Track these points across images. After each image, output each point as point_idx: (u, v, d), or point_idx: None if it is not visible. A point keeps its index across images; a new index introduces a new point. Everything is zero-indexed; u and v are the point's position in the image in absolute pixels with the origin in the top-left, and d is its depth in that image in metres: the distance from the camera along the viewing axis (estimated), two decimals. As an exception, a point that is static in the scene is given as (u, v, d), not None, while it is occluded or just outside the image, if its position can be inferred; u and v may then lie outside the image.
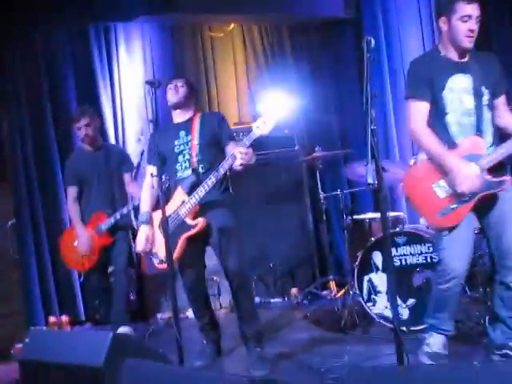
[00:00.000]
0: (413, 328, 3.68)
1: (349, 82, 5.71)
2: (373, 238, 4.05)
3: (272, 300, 5.27)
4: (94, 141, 4.56)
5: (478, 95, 2.98)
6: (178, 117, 3.65)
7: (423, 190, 3.02)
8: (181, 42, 5.87)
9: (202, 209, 3.41)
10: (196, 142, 3.50)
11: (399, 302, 3.77)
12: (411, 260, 3.86)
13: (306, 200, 5.47)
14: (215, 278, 5.09)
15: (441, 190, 2.98)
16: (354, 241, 4.51)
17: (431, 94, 3.01)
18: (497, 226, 3.01)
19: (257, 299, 5.07)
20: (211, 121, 3.60)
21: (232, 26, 5.94)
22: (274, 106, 3.29)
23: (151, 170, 3.53)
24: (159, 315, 5.13)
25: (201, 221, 3.39)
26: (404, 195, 3.01)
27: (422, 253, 3.85)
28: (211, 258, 3.70)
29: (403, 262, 3.86)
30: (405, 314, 3.80)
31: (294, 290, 5.19)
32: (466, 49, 2.98)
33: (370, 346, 3.65)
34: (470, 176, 2.88)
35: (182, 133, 3.57)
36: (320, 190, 4.84)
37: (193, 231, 3.39)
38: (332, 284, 4.86)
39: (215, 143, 3.55)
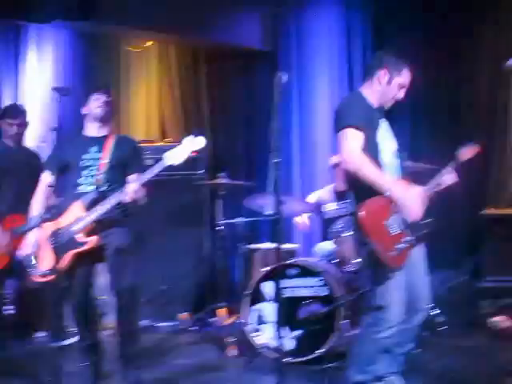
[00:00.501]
0: (299, 359, 3.74)
1: (260, 113, 5.83)
2: (266, 268, 4.11)
3: (160, 324, 5.16)
4: (20, 140, 4.42)
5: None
6: (94, 130, 3.56)
7: (378, 226, 2.87)
8: (95, 51, 5.75)
9: (99, 226, 3.32)
10: (106, 161, 3.44)
11: (287, 332, 3.82)
12: (301, 292, 3.95)
13: (206, 225, 5.46)
14: (104, 297, 4.92)
15: (392, 226, 2.87)
16: (248, 269, 4.55)
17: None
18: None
19: (145, 322, 4.96)
20: (126, 145, 3.58)
21: (150, 42, 5.91)
22: (190, 140, 3.37)
23: (48, 177, 3.47)
24: (40, 333, 4.86)
25: (94, 239, 3.31)
26: (364, 232, 2.82)
27: (312, 286, 3.95)
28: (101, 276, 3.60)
29: (293, 294, 3.94)
30: (292, 344, 3.86)
31: (183, 315, 5.12)
32: (386, 106, 3.09)
33: (253, 375, 3.67)
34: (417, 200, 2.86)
35: (94, 148, 3.49)
36: (220, 216, 4.86)
37: (83, 248, 3.30)
38: (223, 311, 4.85)
39: (123, 167, 3.50)
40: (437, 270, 4.90)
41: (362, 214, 2.79)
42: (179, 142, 5.43)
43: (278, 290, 2.71)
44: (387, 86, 2.98)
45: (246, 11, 5.86)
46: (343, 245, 4.13)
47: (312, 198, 5.14)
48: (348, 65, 5.92)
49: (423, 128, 5.86)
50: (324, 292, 3.93)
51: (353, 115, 2.88)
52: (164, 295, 5.18)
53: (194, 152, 4.75)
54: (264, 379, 3.51)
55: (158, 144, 5.50)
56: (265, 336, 3.95)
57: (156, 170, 3.28)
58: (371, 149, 2.88)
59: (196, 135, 3.43)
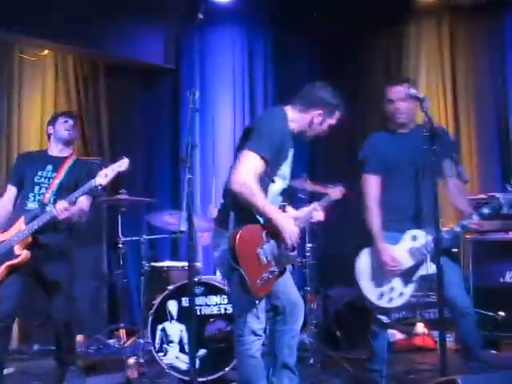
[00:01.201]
0: (201, 379, 3.70)
1: (160, 130, 5.79)
2: (170, 287, 4.04)
3: (54, 347, 4.88)
4: None
5: None
6: (56, 151, 3.72)
7: (250, 254, 2.84)
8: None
9: (42, 250, 3.47)
10: (58, 181, 3.59)
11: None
12: (206, 310, 3.92)
13: (105, 242, 5.28)
14: None
15: (263, 255, 2.87)
16: (150, 288, 4.44)
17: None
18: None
19: (36, 347, 4.77)
20: (81, 169, 3.70)
21: (46, 51, 5.65)
22: (117, 163, 3.45)
23: (11, 190, 3.68)
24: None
25: (25, 252, 3.42)
26: (236, 257, 2.77)
27: (216, 304, 3.94)
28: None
29: (199, 312, 3.90)
30: (196, 363, 3.80)
31: (79, 338, 4.88)
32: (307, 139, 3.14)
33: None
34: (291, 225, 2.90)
35: (50, 167, 3.64)
36: (121, 234, 4.72)
37: (15, 261, 3.41)
38: (122, 332, 4.70)
39: (73, 189, 3.53)
40: (332, 287, 5.14)
41: (237, 239, 2.76)
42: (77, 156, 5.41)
43: (191, 307, 2.61)
44: (319, 125, 3.00)
45: (149, 27, 5.79)
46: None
47: (214, 212, 5.16)
48: (249, 84, 6.05)
49: (320, 150, 6.10)
50: (229, 310, 3.93)
51: (267, 143, 2.81)
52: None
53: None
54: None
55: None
56: (169, 356, 3.88)
57: (86, 188, 3.40)
58: (270, 176, 2.87)
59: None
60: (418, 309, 4.98)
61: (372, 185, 3.42)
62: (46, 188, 3.57)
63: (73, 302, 3.72)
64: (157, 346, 3.90)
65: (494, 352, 4.57)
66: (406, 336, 4.81)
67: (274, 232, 2.86)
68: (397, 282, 3.31)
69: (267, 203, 2.83)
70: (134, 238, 4.72)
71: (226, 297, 3.93)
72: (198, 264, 4.66)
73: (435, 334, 4.84)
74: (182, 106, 5.93)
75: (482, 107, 5.66)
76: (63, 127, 3.71)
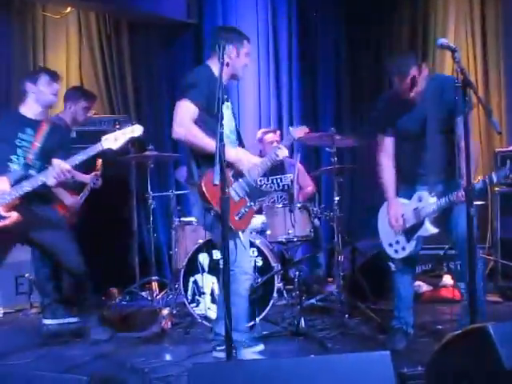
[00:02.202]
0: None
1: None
2: (200, 240, 4.12)
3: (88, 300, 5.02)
4: None
5: None
6: (33, 113, 3.60)
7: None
8: (8, 17, 5.40)
9: (23, 204, 3.37)
10: (38, 144, 3.53)
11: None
12: (236, 263, 4.00)
13: (134, 199, 5.36)
14: (27, 275, 4.76)
15: (235, 193, 3.12)
16: (180, 242, 4.53)
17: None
18: None
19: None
20: (57, 134, 3.67)
21: (68, 9, 5.63)
22: (130, 128, 3.48)
23: None
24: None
25: (14, 215, 3.33)
26: (208, 200, 2.99)
27: (247, 257, 4.02)
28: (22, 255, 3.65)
29: (229, 265, 3.98)
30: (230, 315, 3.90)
31: (113, 290, 5.04)
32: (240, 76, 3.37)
33: (191, 345, 3.70)
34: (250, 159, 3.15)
35: (29, 130, 3.55)
36: (149, 190, 4.79)
37: (3, 223, 3.31)
38: (154, 285, 4.82)
39: (52, 153, 3.54)
40: (359, 238, 5.18)
41: (205, 184, 2.97)
42: (100, 113, 5.46)
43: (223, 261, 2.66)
44: (236, 58, 3.22)
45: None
46: (274, 217, 4.21)
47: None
48: (273, 39, 5.98)
49: (344, 104, 6.06)
50: (259, 262, 4.01)
51: (195, 90, 3.05)
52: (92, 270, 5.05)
53: (117, 125, 4.68)
54: (202, 348, 3.54)
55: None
56: (201, 307, 3.98)
57: (91, 152, 3.38)
58: (212, 123, 2.95)
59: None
60: (444, 260, 5.03)
61: (385, 144, 3.51)
62: (28, 151, 3.48)
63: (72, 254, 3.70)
64: (189, 298, 4.01)
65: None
66: (432, 287, 4.85)
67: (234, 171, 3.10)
68: (400, 236, 3.47)
69: (212, 139, 2.94)
70: (163, 194, 4.78)
71: (255, 249, 4.00)
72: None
73: (462, 285, 4.90)
74: (205, 60, 5.89)
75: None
76: (49, 90, 3.58)
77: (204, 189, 3.00)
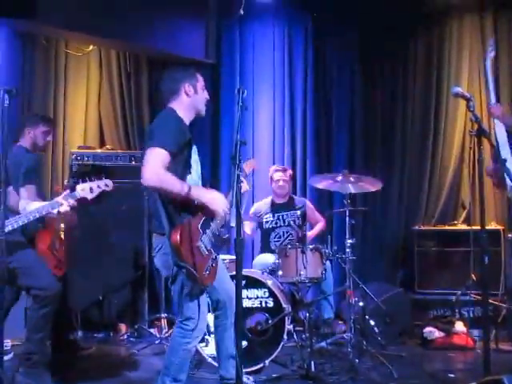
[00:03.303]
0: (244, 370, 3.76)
1: (201, 124, 5.82)
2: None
3: (96, 335, 5.02)
4: None
5: None
6: None
7: (192, 249, 2.95)
8: (32, 52, 5.55)
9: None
10: None
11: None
12: (247, 303, 3.99)
13: (144, 231, 5.36)
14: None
15: (204, 246, 3.02)
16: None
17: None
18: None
19: (80, 333, 4.89)
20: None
21: (91, 47, 5.78)
22: (103, 181, 3.58)
23: None
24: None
25: None
26: (179, 255, 2.89)
27: (257, 297, 4.01)
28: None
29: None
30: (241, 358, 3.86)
31: (121, 326, 5.02)
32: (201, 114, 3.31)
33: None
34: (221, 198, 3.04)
35: None
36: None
37: None
38: (163, 321, 4.80)
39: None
40: (372, 282, 5.15)
41: (176, 238, 2.87)
42: (117, 148, 5.53)
43: (239, 299, 2.66)
44: (195, 94, 3.19)
45: (190, 22, 5.85)
46: (286, 258, 4.20)
47: (252, 209, 5.23)
48: (289, 79, 6.07)
49: (358, 146, 6.11)
50: (270, 303, 3.99)
51: (167, 136, 2.98)
52: (102, 305, 5.06)
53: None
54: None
55: (97, 151, 5.40)
56: (211, 346, 3.94)
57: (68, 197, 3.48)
58: (183, 168, 3.04)
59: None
60: (456, 306, 4.98)
61: None
62: None
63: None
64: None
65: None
66: (444, 334, 4.79)
67: (207, 218, 3.04)
68: None
69: (185, 183, 2.98)
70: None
71: (266, 290, 4.00)
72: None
73: (474, 332, 4.84)
74: (222, 101, 6.00)
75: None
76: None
77: (179, 243, 2.88)
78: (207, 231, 3.06)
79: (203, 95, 3.25)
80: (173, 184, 2.93)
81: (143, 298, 5.24)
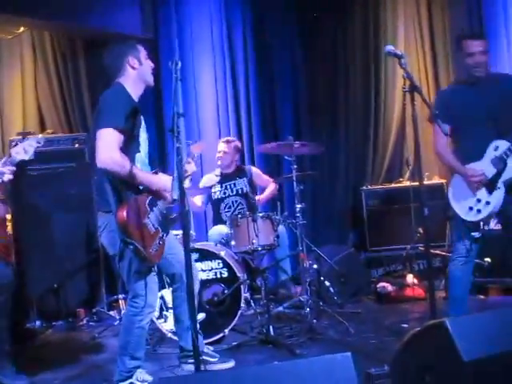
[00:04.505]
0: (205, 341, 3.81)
1: (143, 100, 5.73)
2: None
3: (55, 323, 4.96)
4: None
5: None
6: None
7: (139, 226, 2.95)
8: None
9: None
10: None
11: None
12: (202, 276, 4.02)
13: (95, 213, 5.27)
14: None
15: (151, 224, 3.01)
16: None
17: None
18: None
19: (38, 323, 4.83)
20: None
21: (21, 29, 5.58)
22: (34, 138, 3.36)
23: None
24: None
25: None
26: (126, 232, 2.88)
27: (212, 269, 4.06)
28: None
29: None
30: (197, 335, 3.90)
31: (80, 311, 4.99)
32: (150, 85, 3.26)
33: (159, 361, 3.71)
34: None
35: None
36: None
37: None
38: (121, 303, 4.79)
39: None
40: (325, 245, 5.27)
41: (122, 215, 2.87)
42: (59, 132, 5.42)
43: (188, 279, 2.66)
44: (141, 66, 3.17)
45: (125, -2, 5.74)
46: (238, 228, 4.24)
47: (202, 182, 5.24)
48: (229, 53, 6.04)
49: (303, 113, 6.16)
50: (224, 274, 4.04)
51: (117, 116, 2.95)
52: (58, 291, 5.01)
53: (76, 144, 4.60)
54: (170, 363, 3.54)
55: (37, 136, 5.25)
56: (169, 322, 3.98)
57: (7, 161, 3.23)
58: (131, 147, 3.02)
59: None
60: (407, 260, 5.15)
61: (441, 133, 3.35)
62: None
63: None
64: (157, 314, 4.00)
65: (481, 297, 4.76)
66: (396, 287, 4.96)
67: (154, 197, 3.03)
68: (481, 193, 3.38)
69: (139, 170, 3.00)
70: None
71: (220, 261, 4.04)
72: (191, 232, 4.75)
73: (426, 283, 5.02)
74: (163, 76, 5.91)
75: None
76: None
77: (125, 220, 2.86)
78: (154, 209, 3.06)
79: (148, 64, 3.21)
80: (127, 170, 2.91)
81: (100, 281, 5.21)
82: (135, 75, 3.15)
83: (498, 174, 3.36)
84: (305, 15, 6.08)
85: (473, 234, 3.53)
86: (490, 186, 3.38)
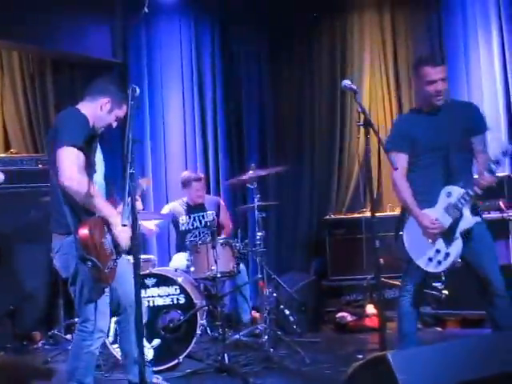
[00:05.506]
0: (157, 368, 3.79)
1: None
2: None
3: (9, 345, 4.85)
4: None
5: None
6: None
7: (98, 244, 2.93)
8: None
9: None
10: None
11: (145, 343, 3.83)
12: (159, 301, 4.01)
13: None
14: None
15: (108, 245, 3.01)
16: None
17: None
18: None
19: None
20: None
21: (-11, 48, 5.58)
22: None
23: None
24: None
25: None
26: (86, 249, 2.86)
27: (169, 294, 4.04)
28: None
29: (151, 304, 3.98)
30: (150, 354, 3.88)
31: (36, 334, 4.90)
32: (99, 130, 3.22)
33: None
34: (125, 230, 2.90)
35: None
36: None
37: None
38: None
39: None
40: (286, 273, 5.28)
41: (84, 232, 2.86)
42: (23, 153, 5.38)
43: (137, 304, 2.66)
44: (107, 114, 3.16)
45: (95, 21, 5.77)
46: (197, 254, 4.24)
47: (165, 209, 5.23)
48: (198, 75, 6.10)
49: (269, 140, 6.22)
50: (181, 300, 4.02)
51: (75, 134, 2.94)
52: (14, 315, 4.91)
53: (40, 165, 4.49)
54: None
55: (1, 155, 5.24)
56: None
57: None
58: (89, 168, 3.01)
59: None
60: (368, 290, 5.18)
61: (398, 162, 3.30)
62: None
63: None
64: (111, 339, 3.95)
65: (438, 329, 4.81)
66: (356, 317, 4.98)
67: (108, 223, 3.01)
68: (440, 244, 3.26)
69: (100, 198, 2.99)
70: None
71: (177, 287, 4.03)
72: (151, 256, 4.73)
73: (388, 314, 5.05)
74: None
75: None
76: None
77: (88, 236, 2.85)
78: (111, 231, 3.04)
79: (111, 120, 3.18)
80: (86, 191, 2.89)
81: (58, 304, 5.13)
82: (95, 113, 3.12)
83: (455, 223, 3.25)
84: (274, 40, 6.18)
85: (434, 284, 3.47)
86: (447, 236, 3.26)
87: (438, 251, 3.28)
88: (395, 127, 3.67)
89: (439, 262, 3.28)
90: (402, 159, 3.36)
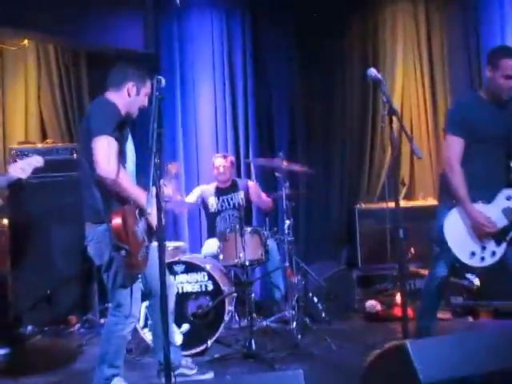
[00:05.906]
0: (186, 352, 3.88)
1: (145, 115, 5.84)
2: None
3: (46, 328, 5.04)
4: None
5: None
6: None
7: (130, 233, 3.02)
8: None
9: None
10: None
11: (175, 328, 3.93)
12: (187, 288, 4.09)
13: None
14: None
15: (140, 232, 3.09)
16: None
17: None
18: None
19: (29, 328, 4.89)
20: None
21: (26, 41, 5.72)
22: (33, 158, 3.28)
23: None
24: None
25: None
26: (119, 237, 2.95)
27: (197, 281, 4.11)
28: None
29: (180, 290, 4.07)
30: (179, 339, 3.98)
31: (72, 318, 5.07)
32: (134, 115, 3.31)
33: (140, 371, 3.77)
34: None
35: None
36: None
37: None
38: (111, 311, 4.84)
39: None
40: (315, 262, 5.30)
41: (117, 221, 2.93)
42: (60, 143, 5.52)
43: (162, 292, 2.72)
44: (136, 96, 3.23)
45: (127, 15, 5.85)
46: (227, 242, 4.29)
47: (195, 192, 5.30)
48: (229, 67, 6.13)
49: (299, 130, 6.21)
50: (209, 287, 4.10)
51: (107, 122, 3.02)
52: (50, 299, 5.08)
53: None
54: (153, 375, 3.59)
55: (37, 145, 5.39)
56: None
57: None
58: (120, 156, 3.07)
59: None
60: (397, 280, 5.15)
61: (456, 146, 3.31)
62: None
63: None
64: (141, 323, 4.06)
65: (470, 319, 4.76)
66: (385, 306, 4.97)
67: (141, 210, 3.07)
68: (488, 242, 3.28)
69: (134, 186, 3.08)
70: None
71: (205, 274, 4.10)
72: (181, 243, 4.82)
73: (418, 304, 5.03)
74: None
75: (458, 90, 5.73)
76: None
77: (121, 225, 2.93)
78: (143, 218, 3.14)
79: (142, 101, 3.27)
80: (124, 183, 3.00)
81: (93, 289, 5.28)
82: (125, 101, 3.21)
83: (510, 227, 3.27)
84: (304, 33, 6.15)
85: (468, 276, 3.49)
86: (500, 236, 3.27)
87: (483, 248, 3.28)
88: (455, 110, 3.56)
89: (483, 259, 3.29)
90: (457, 144, 3.32)
